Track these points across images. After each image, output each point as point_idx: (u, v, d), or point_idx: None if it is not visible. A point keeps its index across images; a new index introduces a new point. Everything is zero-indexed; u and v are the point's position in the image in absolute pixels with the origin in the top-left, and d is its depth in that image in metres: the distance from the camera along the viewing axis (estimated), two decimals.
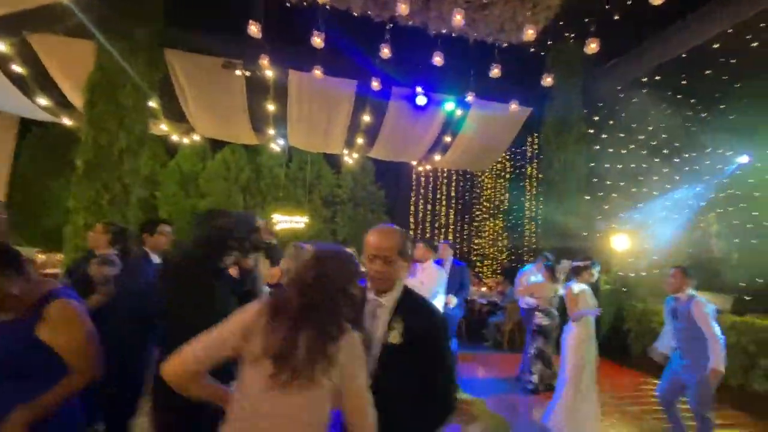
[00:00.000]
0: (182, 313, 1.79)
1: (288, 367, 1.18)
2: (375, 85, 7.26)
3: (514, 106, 8.63)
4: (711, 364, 3.03)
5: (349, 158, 11.66)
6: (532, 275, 5.43)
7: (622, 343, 6.94)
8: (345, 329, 1.27)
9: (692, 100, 8.35)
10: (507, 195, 12.82)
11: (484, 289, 8.46)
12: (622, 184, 8.86)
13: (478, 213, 14.70)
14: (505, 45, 7.77)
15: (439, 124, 9.43)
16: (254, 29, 5.35)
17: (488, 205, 14.07)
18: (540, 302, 4.89)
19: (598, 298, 3.95)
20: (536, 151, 10.72)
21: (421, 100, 8.31)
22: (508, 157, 12.60)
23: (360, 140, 9.90)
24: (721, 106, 8.31)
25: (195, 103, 8.53)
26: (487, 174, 13.92)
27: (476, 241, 14.52)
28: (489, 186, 14.00)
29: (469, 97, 8.01)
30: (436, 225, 14.26)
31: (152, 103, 7.16)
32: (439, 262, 4.59)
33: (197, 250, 1.94)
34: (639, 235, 8.01)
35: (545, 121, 9.28)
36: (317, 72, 6.90)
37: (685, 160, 9.05)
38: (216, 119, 9.15)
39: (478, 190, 14.59)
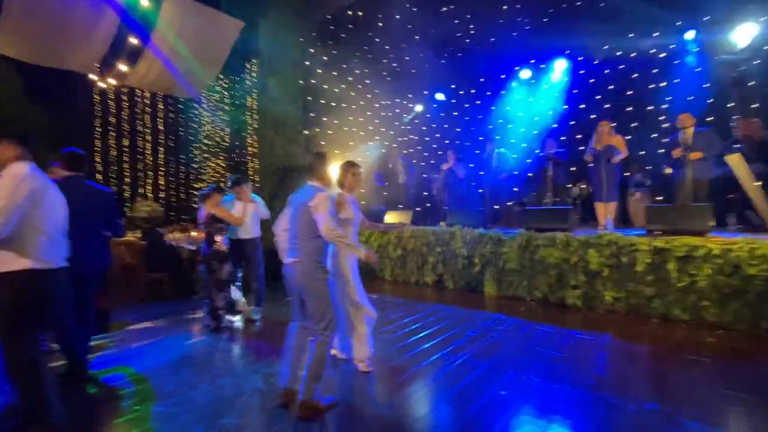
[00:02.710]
0: None
1: None
2: None
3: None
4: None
5: None
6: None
7: None
8: None
9: (386, 45, 9.37)
10: (228, 130, 11.40)
11: (194, 233, 7.08)
12: (336, 120, 9.23)
13: (197, 153, 12.56)
14: None
15: (114, 14, 6.77)
16: None
17: (209, 142, 12.19)
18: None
19: None
20: (255, 80, 9.70)
21: None
22: (226, 85, 11.03)
23: None
24: (406, 58, 9.78)
25: None
26: (204, 106, 11.87)
27: (197, 185, 12.51)
28: (208, 120, 12.05)
29: None
30: (140, 166, 11.21)
31: None
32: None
33: None
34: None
35: (260, 45, 8.33)
36: None
37: (384, 104, 10.36)
38: None
39: (195, 125, 12.34)
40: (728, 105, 6.78)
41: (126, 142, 10.91)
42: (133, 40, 7.44)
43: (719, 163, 5.69)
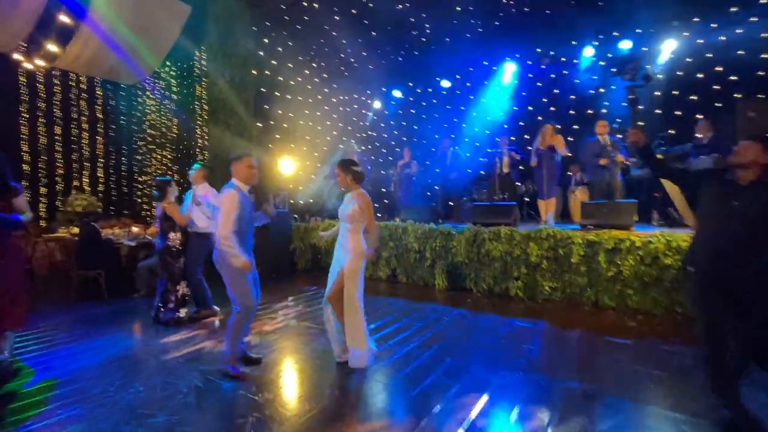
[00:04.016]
0: None
1: None
2: None
3: None
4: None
5: None
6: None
7: (290, 259, 7.35)
8: None
9: (342, 39, 9.29)
10: (176, 120, 10.80)
11: (135, 229, 6.66)
12: (291, 113, 9.04)
13: (142, 144, 11.79)
14: None
15: None
16: None
17: (154, 132, 11.48)
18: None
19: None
20: (205, 69, 9.28)
21: None
22: (174, 73, 10.45)
23: None
24: (364, 53, 9.77)
25: None
26: (148, 93, 11.16)
27: (141, 179, 11.76)
28: (153, 108, 11.34)
29: None
30: (73, 157, 10.33)
31: None
32: None
33: None
34: (303, 161, 8.58)
35: (210, 32, 7.98)
36: None
37: (340, 99, 10.29)
38: None
39: (139, 114, 11.56)
40: (656, 111, 7.53)
41: (58, 131, 10.00)
42: (64, 18, 6.85)
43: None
